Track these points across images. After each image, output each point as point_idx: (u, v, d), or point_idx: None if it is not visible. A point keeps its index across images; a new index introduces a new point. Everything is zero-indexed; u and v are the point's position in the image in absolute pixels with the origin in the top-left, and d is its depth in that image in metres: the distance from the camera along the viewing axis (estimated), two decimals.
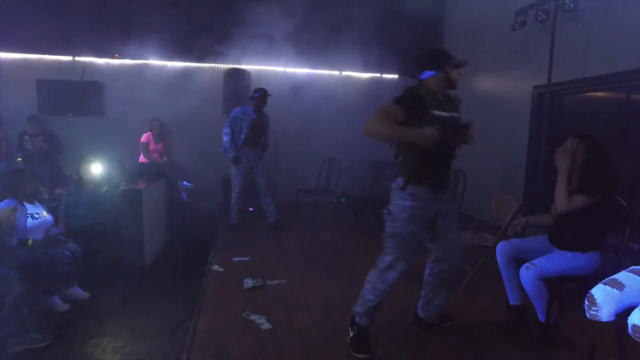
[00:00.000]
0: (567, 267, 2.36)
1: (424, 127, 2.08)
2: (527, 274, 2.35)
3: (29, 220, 3.09)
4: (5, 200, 3.02)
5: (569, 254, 2.38)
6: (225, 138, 4.77)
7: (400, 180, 2.28)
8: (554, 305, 2.44)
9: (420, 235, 2.36)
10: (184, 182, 5.91)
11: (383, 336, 2.51)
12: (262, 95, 4.80)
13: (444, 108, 2.26)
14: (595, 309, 1.77)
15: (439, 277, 2.49)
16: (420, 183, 2.24)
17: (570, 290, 2.56)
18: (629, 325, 1.70)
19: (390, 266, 2.29)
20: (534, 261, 2.38)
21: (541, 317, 2.45)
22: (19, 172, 3.27)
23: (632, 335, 1.69)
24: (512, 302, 2.63)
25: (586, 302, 1.82)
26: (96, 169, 3.79)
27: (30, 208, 3.17)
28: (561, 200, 2.35)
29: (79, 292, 3.26)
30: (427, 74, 2.29)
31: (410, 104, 2.17)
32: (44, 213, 3.25)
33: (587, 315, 1.81)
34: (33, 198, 3.26)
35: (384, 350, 2.36)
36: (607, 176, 2.32)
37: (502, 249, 2.63)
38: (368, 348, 2.29)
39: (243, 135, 4.78)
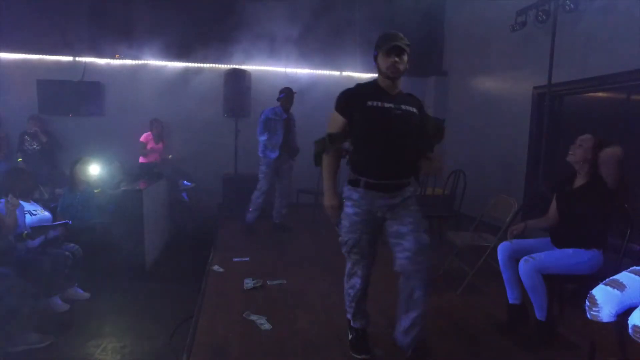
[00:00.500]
0: (567, 263, 2.36)
1: (362, 121, 2.03)
2: (525, 266, 2.35)
3: (28, 216, 3.10)
4: (2, 200, 3.03)
5: (570, 251, 2.38)
6: (263, 138, 4.65)
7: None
8: (554, 305, 2.44)
9: (371, 240, 2.15)
10: (185, 182, 5.91)
11: (383, 336, 2.51)
12: (288, 94, 4.71)
13: (391, 100, 2.06)
14: (596, 309, 1.77)
15: (404, 293, 2.17)
16: (359, 185, 2.07)
17: (571, 291, 2.57)
18: (630, 326, 1.70)
19: (351, 273, 2.23)
20: (534, 254, 2.40)
21: (538, 314, 2.44)
22: (15, 170, 3.28)
23: (633, 336, 1.69)
24: (511, 301, 2.64)
25: (587, 302, 1.82)
26: (90, 169, 3.78)
27: (27, 205, 3.17)
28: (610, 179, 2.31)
29: (79, 292, 3.26)
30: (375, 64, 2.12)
31: (343, 104, 2.09)
32: (41, 210, 3.26)
33: (588, 315, 1.81)
34: (29, 196, 3.26)
35: (384, 350, 2.36)
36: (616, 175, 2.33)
37: (503, 249, 2.64)
38: (367, 349, 2.25)
39: (279, 137, 4.69)
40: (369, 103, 2.03)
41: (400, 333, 2.19)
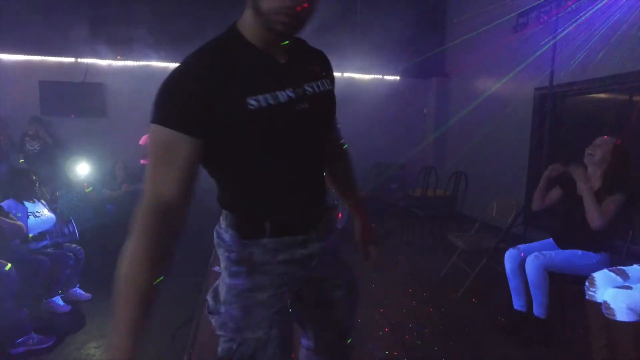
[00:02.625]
0: (576, 264, 2.35)
1: (239, 134, 0.94)
2: (535, 261, 2.36)
3: (31, 218, 3.10)
4: (6, 201, 3.03)
5: (579, 252, 2.38)
6: None
7: (220, 230, 1.14)
8: (556, 305, 2.44)
9: (286, 338, 1.09)
10: None
11: (383, 336, 2.50)
12: None
13: (286, 79, 1.01)
14: (593, 290, 1.87)
15: None
16: (264, 233, 1.05)
17: (573, 292, 2.56)
18: (602, 302, 1.80)
19: None
20: (544, 251, 2.39)
21: (536, 311, 2.43)
22: (18, 171, 3.29)
23: (605, 313, 1.77)
24: (516, 307, 2.63)
25: (586, 283, 1.92)
26: (82, 169, 3.78)
27: (31, 207, 3.17)
28: (594, 215, 2.25)
29: (81, 294, 3.26)
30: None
31: (182, 108, 0.91)
32: (45, 211, 3.26)
33: (586, 296, 1.91)
34: (33, 197, 3.27)
35: (384, 350, 2.35)
36: (629, 177, 2.33)
37: (512, 258, 2.61)
38: None
39: None
40: (252, 101, 0.94)
41: None
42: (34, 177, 3.27)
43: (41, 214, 3.21)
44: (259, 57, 0.99)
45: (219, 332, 1.09)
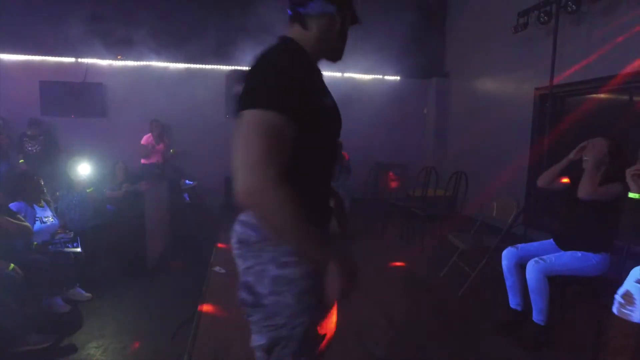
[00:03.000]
0: (576, 267, 2.35)
1: (314, 126, 1.08)
2: (535, 267, 2.34)
3: (37, 223, 3.13)
4: (16, 203, 3.05)
5: (578, 254, 2.37)
6: None
7: (254, 225, 1.14)
8: (557, 306, 2.44)
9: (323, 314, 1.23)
10: (187, 181, 5.92)
11: (383, 336, 2.51)
12: None
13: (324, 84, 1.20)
14: (631, 308, 1.60)
15: None
16: (312, 222, 1.03)
17: (574, 292, 2.56)
18: (615, 299, 1.62)
19: None
20: (544, 256, 2.38)
21: (535, 317, 2.43)
22: (28, 176, 3.28)
23: (617, 311, 1.62)
24: (512, 306, 2.64)
25: (620, 299, 1.64)
26: (84, 169, 3.78)
27: (39, 211, 3.20)
28: (587, 186, 2.29)
29: (81, 293, 3.26)
30: (316, 8, 1.14)
31: (292, 95, 1.03)
32: (51, 218, 3.29)
33: (615, 311, 1.63)
34: (42, 200, 3.29)
35: (384, 350, 2.35)
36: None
37: (508, 255, 2.61)
38: None
39: None
40: (327, 100, 1.16)
41: None
42: (40, 181, 3.29)
43: (47, 220, 3.23)
44: (317, 67, 1.19)
45: (265, 323, 1.16)
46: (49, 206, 3.37)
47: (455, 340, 2.52)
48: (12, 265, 2.59)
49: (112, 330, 2.80)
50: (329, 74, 6.71)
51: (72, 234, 3.36)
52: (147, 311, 3.08)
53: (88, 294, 3.27)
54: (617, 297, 1.65)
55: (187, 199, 5.91)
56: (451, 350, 2.42)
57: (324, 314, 1.22)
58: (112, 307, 3.12)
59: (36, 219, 3.13)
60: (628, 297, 1.62)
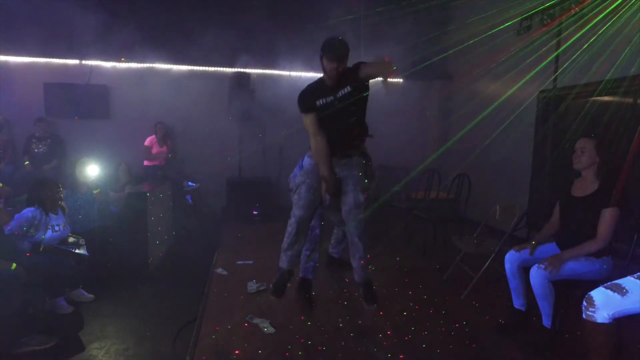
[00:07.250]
0: (579, 271, 2.34)
1: (317, 118, 2.55)
2: (538, 273, 2.32)
3: (49, 232, 3.13)
4: (31, 208, 3.05)
5: (582, 258, 2.36)
6: None
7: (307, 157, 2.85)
8: (560, 310, 2.42)
9: (311, 186, 2.62)
10: (189, 183, 5.93)
11: (386, 338, 2.50)
12: None
13: (332, 93, 2.52)
14: (592, 310, 1.79)
15: (349, 242, 2.73)
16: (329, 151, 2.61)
17: (578, 296, 2.54)
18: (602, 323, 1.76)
19: (291, 214, 2.68)
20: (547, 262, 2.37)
21: (545, 322, 2.43)
22: (50, 185, 3.24)
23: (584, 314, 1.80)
24: (516, 307, 2.63)
25: (584, 302, 1.84)
26: (88, 170, 3.78)
27: (54, 219, 3.20)
28: (591, 248, 2.32)
29: (83, 294, 3.27)
30: None
31: (303, 106, 2.57)
32: (63, 225, 3.28)
33: (583, 315, 1.83)
34: (58, 207, 3.29)
35: (385, 350, 2.35)
36: (621, 175, 2.32)
37: (511, 258, 2.60)
38: (280, 292, 2.68)
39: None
40: (318, 102, 2.55)
41: (355, 275, 2.72)
42: (60, 188, 3.28)
43: (60, 228, 3.22)
44: (323, 85, 2.58)
45: (294, 195, 2.70)
46: (64, 213, 3.34)
47: (458, 343, 2.50)
48: (14, 265, 2.60)
49: (114, 331, 2.81)
50: None
51: (83, 241, 3.35)
52: (149, 312, 3.09)
53: (91, 295, 3.28)
54: (583, 302, 1.84)
55: (190, 200, 5.92)
56: (454, 352, 2.40)
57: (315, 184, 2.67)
58: (115, 309, 3.13)
59: (49, 226, 3.13)
60: (589, 300, 1.82)
